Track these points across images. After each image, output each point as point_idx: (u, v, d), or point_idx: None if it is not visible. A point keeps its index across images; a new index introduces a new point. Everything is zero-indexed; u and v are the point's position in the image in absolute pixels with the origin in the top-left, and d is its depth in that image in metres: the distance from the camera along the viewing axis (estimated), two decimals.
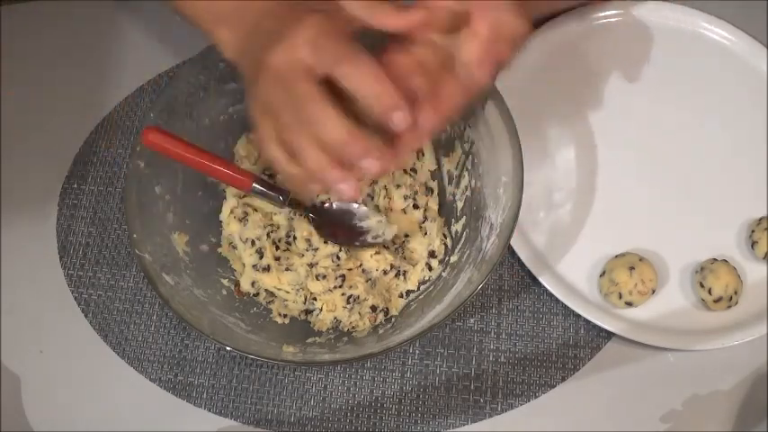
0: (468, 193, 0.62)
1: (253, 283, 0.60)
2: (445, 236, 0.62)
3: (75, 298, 0.64)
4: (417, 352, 0.62)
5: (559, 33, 0.72)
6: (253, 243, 0.60)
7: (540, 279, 0.62)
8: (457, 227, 0.63)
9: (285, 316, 0.60)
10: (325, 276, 0.59)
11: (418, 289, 0.61)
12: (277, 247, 0.60)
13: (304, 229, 0.60)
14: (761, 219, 0.64)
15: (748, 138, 0.69)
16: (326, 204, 0.61)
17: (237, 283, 0.61)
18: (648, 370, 0.61)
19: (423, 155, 0.64)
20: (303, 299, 0.60)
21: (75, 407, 0.61)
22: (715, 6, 0.73)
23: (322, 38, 0.43)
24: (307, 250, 0.60)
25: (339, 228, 0.60)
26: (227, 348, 0.54)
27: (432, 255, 0.61)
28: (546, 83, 0.71)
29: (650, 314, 0.62)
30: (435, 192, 0.64)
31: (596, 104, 0.70)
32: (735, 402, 0.60)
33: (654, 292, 0.61)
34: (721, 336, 0.61)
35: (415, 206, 0.62)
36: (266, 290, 0.61)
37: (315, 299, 0.60)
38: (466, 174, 0.62)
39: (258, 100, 0.47)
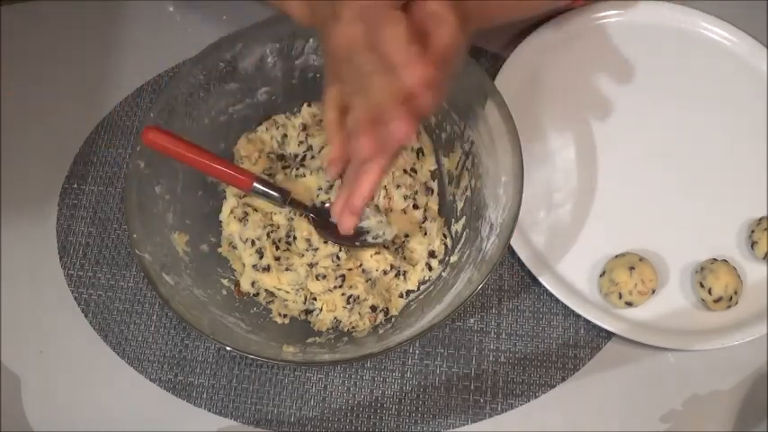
0: (468, 193, 0.62)
1: (253, 283, 0.60)
2: (445, 236, 0.62)
3: (75, 298, 0.64)
4: (417, 352, 0.62)
5: (559, 33, 0.72)
6: (253, 243, 0.60)
7: (540, 279, 0.62)
8: (457, 227, 0.63)
9: (285, 316, 0.60)
10: (325, 276, 0.59)
11: (418, 289, 0.61)
12: (277, 247, 0.60)
13: (304, 229, 0.60)
14: (761, 219, 0.64)
15: (748, 138, 0.69)
16: (327, 204, 0.61)
17: (237, 283, 0.61)
18: (648, 370, 0.61)
19: (423, 155, 0.64)
20: (303, 299, 0.60)
21: (75, 407, 0.61)
22: (715, 6, 0.73)
23: None
24: (307, 250, 0.60)
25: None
26: (227, 348, 0.54)
27: (432, 255, 0.61)
28: (546, 83, 0.71)
29: (650, 314, 0.62)
30: (435, 192, 0.64)
31: (596, 104, 0.70)
32: (735, 402, 0.60)
33: (654, 292, 0.61)
34: (721, 336, 0.61)
35: (415, 206, 0.62)
36: (266, 290, 0.61)
37: (315, 299, 0.60)
38: (466, 174, 0.62)
39: (335, 47, 0.46)
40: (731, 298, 0.61)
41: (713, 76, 0.72)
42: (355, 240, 0.60)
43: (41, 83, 0.72)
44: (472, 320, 0.63)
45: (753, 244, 0.64)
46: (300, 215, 0.61)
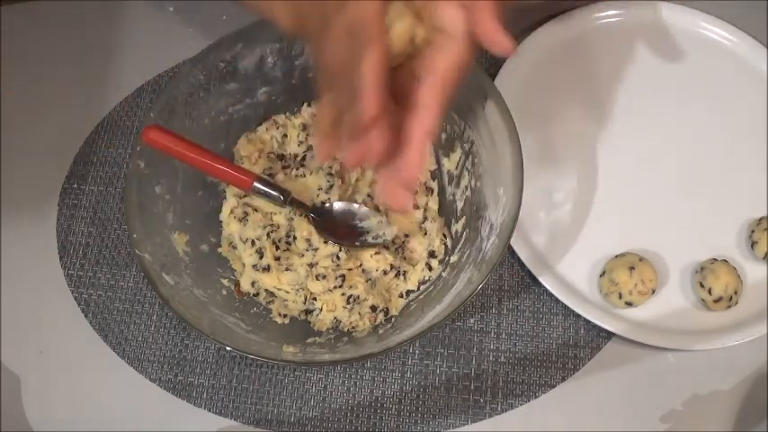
0: (468, 193, 0.62)
1: (253, 283, 0.60)
2: (445, 236, 0.62)
3: (75, 298, 0.64)
4: (417, 352, 0.62)
5: (559, 33, 0.72)
6: (253, 243, 0.60)
7: (540, 279, 0.62)
8: (457, 227, 0.63)
9: (285, 316, 0.60)
10: (325, 276, 0.59)
11: (418, 289, 0.61)
12: (277, 247, 0.60)
13: (304, 229, 0.60)
14: (761, 219, 0.64)
15: (748, 138, 0.69)
16: (327, 204, 0.61)
17: (237, 283, 0.61)
18: (648, 370, 0.61)
19: None
20: (303, 299, 0.60)
21: (75, 407, 0.61)
22: (715, 6, 0.73)
23: None
24: (307, 250, 0.60)
25: (339, 228, 0.60)
26: (227, 348, 0.54)
27: (432, 255, 0.61)
28: (546, 83, 0.71)
29: (650, 314, 0.62)
30: (435, 192, 0.64)
31: (596, 104, 0.70)
32: (735, 402, 0.60)
33: (654, 292, 0.61)
34: (721, 336, 0.61)
35: (415, 206, 0.62)
36: (266, 290, 0.61)
37: (315, 299, 0.60)
38: (466, 174, 0.62)
39: (323, 62, 0.45)
40: (731, 298, 0.61)
41: (713, 76, 0.72)
42: (355, 240, 0.60)
43: (41, 83, 0.72)
44: (472, 320, 0.63)
45: (753, 244, 0.64)
46: (300, 215, 0.61)
